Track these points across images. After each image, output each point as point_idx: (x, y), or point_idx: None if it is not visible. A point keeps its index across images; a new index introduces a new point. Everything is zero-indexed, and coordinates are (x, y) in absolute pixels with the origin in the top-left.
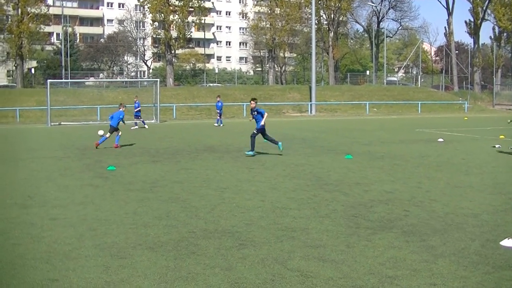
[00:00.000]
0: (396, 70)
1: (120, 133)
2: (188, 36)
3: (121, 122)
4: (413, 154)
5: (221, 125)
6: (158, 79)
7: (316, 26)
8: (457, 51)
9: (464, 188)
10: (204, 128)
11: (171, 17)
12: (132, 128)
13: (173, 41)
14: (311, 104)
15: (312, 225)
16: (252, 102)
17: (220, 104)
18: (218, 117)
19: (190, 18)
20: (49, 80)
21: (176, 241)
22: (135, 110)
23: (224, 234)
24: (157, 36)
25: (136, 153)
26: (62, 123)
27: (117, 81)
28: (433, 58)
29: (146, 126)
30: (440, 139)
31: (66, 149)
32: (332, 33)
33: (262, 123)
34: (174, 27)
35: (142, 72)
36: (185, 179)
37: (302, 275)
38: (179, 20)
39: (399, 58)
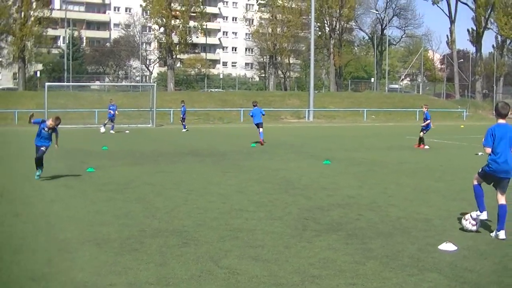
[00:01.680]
0: (402, 77)
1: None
2: (190, 41)
3: None
4: (392, 160)
5: (183, 130)
6: (155, 84)
7: (317, 33)
8: (461, 60)
9: (429, 193)
10: (197, 132)
11: (172, 22)
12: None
13: (175, 46)
14: (308, 111)
15: (260, 226)
16: None
17: (183, 109)
18: (182, 122)
19: (192, 24)
20: (47, 84)
21: (124, 239)
22: (111, 112)
23: (173, 233)
24: (160, 41)
25: (120, 156)
26: (59, 126)
27: (115, 85)
28: (439, 66)
29: (112, 132)
30: (426, 146)
31: (53, 150)
32: (334, 40)
33: None
34: (176, 32)
35: (146, 77)
36: (157, 181)
37: (230, 272)
38: (181, 25)
39: (404, 66)
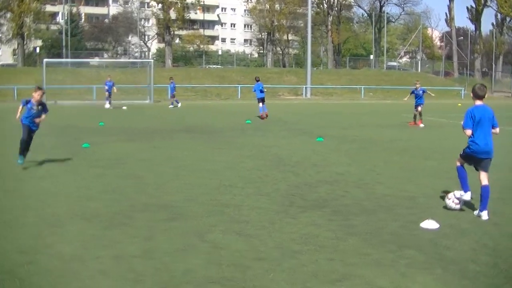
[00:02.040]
0: (401, 55)
1: None
2: (187, 18)
3: None
4: (385, 138)
5: (179, 105)
6: (152, 60)
7: (315, 10)
8: (461, 37)
9: (416, 172)
10: (193, 109)
11: None
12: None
13: (172, 22)
14: (306, 88)
15: (247, 202)
16: None
17: (172, 85)
18: (171, 98)
19: (190, 0)
20: (45, 60)
21: (113, 214)
22: (106, 88)
23: (161, 208)
24: (157, 17)
25: (115, 132)
26: (58, 102)
27: (113, 61)
28: (438, 44)
29: (110, 106)
30: (422, 125)
31: (50, 126)
32: (331, 17)
33: None
34: (174, 8)
35: (145, 53)
36: (149, 157)
37: (213, 246)
38: (178, 1)
39: (403, 43)
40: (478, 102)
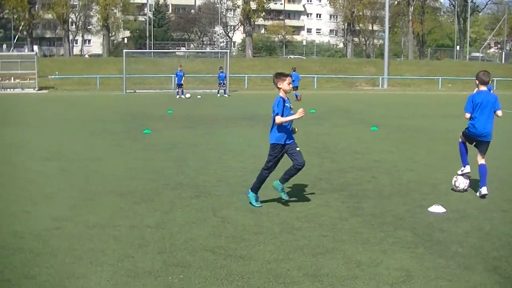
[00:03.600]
0: (487, 45)
1: None
2: (267, 8)
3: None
4: (441, 128)
5: (183, 96)
6: (228, 51)
7: (392, 0)
8: None
9: (454, 160)
10: (264, 98)
11: None
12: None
13: (252, 13)
14: (382, 78)
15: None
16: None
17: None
18: (219, 87)
19: None
20: (125, 51)
21: (146, 191)
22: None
23: (191, 187)
24: (237, 8)
25: (180, 119)
26: (137, 90)
27: (190, 51)
28: None
29: (183, 96)
30: None
31: (121, 114)
32: (412, 7)
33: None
34: None
35: (232, 43)
36: (202, 142)
37: (222, 221)
38: None
39: (494, 34)
40: (482, 88)
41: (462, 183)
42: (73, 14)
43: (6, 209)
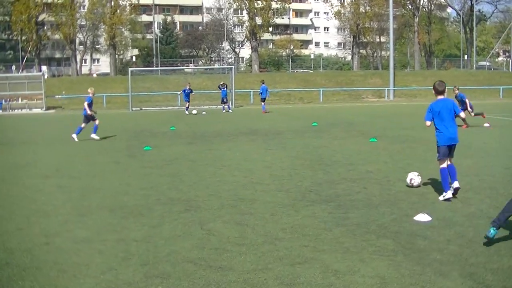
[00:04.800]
0: (494, 53)
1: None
2: (272, 23)
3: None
4: None
5: (230, 110)
6: (233, 66)
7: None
8: None
9: None
10: (273, 113)
11: (255, 4)
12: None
13: (258, 28)
14: (388, 90)
15: (263, 197)
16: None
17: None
18: (223, 104)
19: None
20: (130, 69)
21: (137, 206)
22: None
23: (182, 202)
24: (243, 24)
25: (181, 136)
26: (143, 108)
27: (196, 68)
28: None
29: (187, 112)
30: (486, 124)
31: (125, 131)
32: (418, 18)
33: None
34: (260, 14)
35: (240, 59)
36: (199, 158)
37: (207, 233)
38: (263, 7)
39: (502, 42)
40: (439, 97)
41: (415, 180)
42: (81, 34)
43: (1, 226)
